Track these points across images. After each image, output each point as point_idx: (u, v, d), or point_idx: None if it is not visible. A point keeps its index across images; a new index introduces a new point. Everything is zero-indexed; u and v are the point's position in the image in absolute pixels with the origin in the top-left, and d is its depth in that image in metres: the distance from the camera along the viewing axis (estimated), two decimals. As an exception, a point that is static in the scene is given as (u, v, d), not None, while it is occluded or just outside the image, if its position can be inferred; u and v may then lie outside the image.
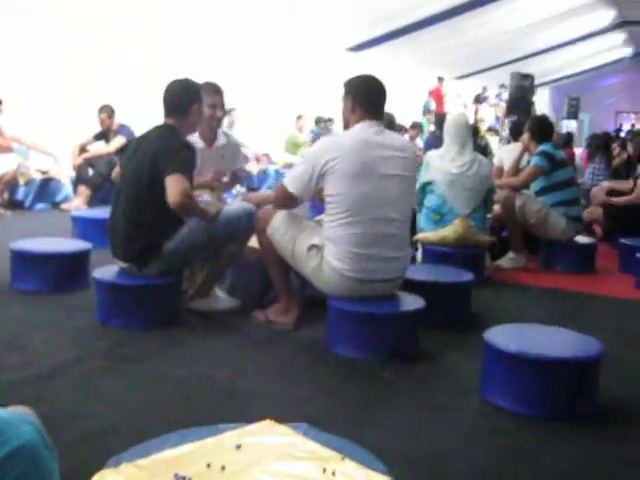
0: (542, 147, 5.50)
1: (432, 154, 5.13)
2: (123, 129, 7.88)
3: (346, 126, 3.54)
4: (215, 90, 4.37)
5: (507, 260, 5.55)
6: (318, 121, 12.71)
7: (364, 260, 3.29)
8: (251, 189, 9.22)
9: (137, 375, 2.97)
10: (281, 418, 2.04)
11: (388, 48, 15.46)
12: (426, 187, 5.02)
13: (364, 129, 3.38)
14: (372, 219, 3.29)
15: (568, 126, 16.35)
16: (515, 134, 7.44)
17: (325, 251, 3.36)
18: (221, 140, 4.46)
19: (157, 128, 3.75)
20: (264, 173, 9.97)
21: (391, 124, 5.58)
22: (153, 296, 3.64)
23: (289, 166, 11.22)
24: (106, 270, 3.79)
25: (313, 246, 3.40)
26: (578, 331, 3.12)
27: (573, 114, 19.00)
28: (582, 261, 5.66)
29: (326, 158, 3.27)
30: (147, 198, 3.57)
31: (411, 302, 3.45)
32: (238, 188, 5.22)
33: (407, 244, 3.54)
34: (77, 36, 9.03)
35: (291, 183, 3.39)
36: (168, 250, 3.61)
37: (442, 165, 4.98)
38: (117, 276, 3.70)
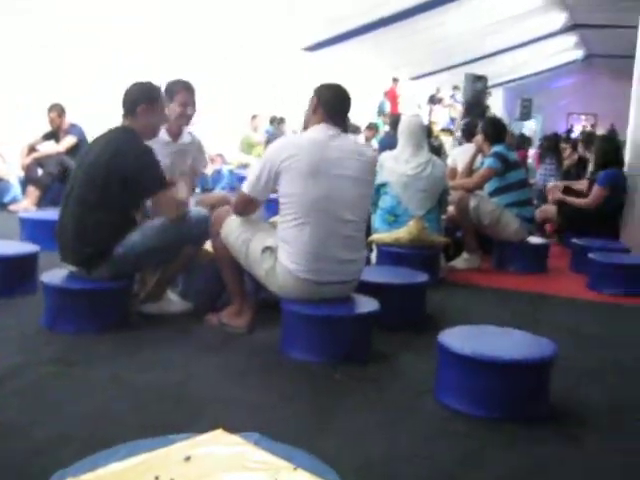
0: (495, 149, 5.54)
1: (386, 155, 5.12)
2: (73, 128, 7.72)
3: (305, 127, 3.53)
4: (186, 87, 4.34)
5: (461, 261, 5.58)
6: (272, 121, 12.67)
7: (318, 261, 3.27)
8: (205, 190, 9.16)
9: (87, 381, 2.89)
10: (233, 426, 2.00)
11: (344, 48, 15.47)
12: (380, 188, 5.01)
13: (321, 131, 3.36)
14: (327, 220, 3.26)
15: (529, 128, 16.55)
16: (468, 135, 7.50)
17: (279, 253, 3.32)
18: (186, 138, 4.41)
19: (112, 130, 3.69)
20: (218, 174, 9.89)
21: (345, 126, 5.54)
22: (103, 300, 3.55)
23: (244, 166, 11.16)
24: (54, 274, 3.69)
25: (267, 248, 3.36)
26: (532, 332, 3.14)
27: (526, 115, 19.27)
28: (535, 261, 5.72)
29: (281, 157, 3.24)
30: (100, 201, 3.50)
31: (365, 304, 3.43)
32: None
33: (363, 246, 3.52)
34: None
35: (249, 187, 3.36)
36: (119, 254, 3.54)
37: (396, 167, 4.98)
38: (66, 280, 3.60)
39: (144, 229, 3.62)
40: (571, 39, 22.65)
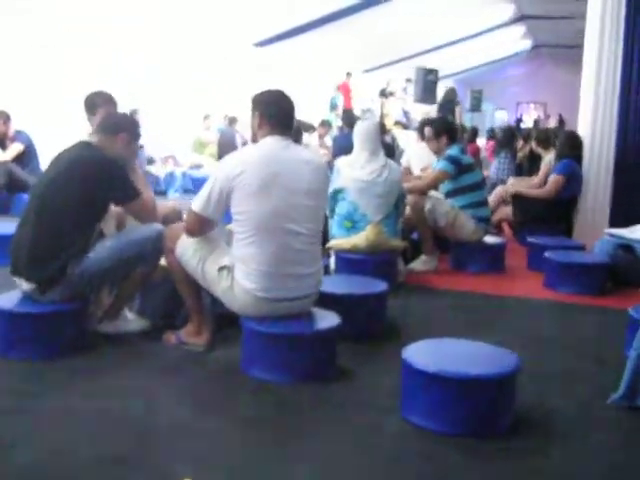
0: (449, 151, 5.53)
1: (342, 161, 5.08)
2: (20, 135, 7.53)
3: (254, 141, 3.46)
4: (107, 100, 4.28)
5: (419, 263, 5.57)
6: (225, 119, 12.52)
7: (275, 279, 3.21)
8: (157, 193, 9.01)
9: (42, 414, 2.80)
10: (196, 457, 1.94)
11: (294, 43, 15.39)
12: (337, 194, 4.97)
13: (270, 144, 3.30)
14: (280, 236, 3.21)
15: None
16: (422, 132, 7.49)
17: (235, 272, 3.26)
18: None
19: (76, 146, 3.63)
20: (170, 176, 9.74)
21: (298, 131, 5.50)
22: (59, 323, 3.44)
23: (196, 166, 11.03)
24: (6, 297, 3.57)
25: (223, 267, 3.30)
26: (492, 338, 3.14)
27: (476, 106, 19.42)
28: (492, 261, 5.74)
29: (231, 175, 3.17)
30: (63, 217, 3.44)
31: (326, 319, 3.38)
32: None
33: (319, 259, 3.46)
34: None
35: (200, 206, 3.27)
36: (74, 274, 3.45)
37: (352, 172, 4.94)
38: (17, 303, 3.48)
39: (97, 249, 3.54)
40: (519, 30, 22.87)
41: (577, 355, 3.84)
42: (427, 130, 5.81)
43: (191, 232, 3.39)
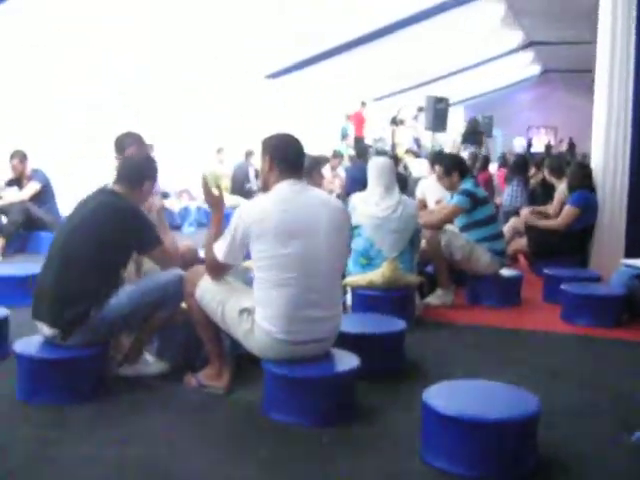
0: (464, 185, 5.56)
1: (357, 197, 5.11)
2: (36, 174, 7.64)
3: (265, 184, 3.49)
4: (137, 141, 4.46)
5: (435, 297, 5.57)
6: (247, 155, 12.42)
7: (295, 322, 3.24)
8: (173, 227, 9.07)
9: (63, 462, 2.82)
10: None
11: (306, 73, 15.53)
12: (353, 231, 4.99)
13: (284, 189, 3.34)
14: (300, 280, 3.23)
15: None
16: (433, 166, 7.53)
17: (256, 314, 3.29)
18: None
19: (101, 192, 3.70)
20: (185, 210, 9.78)
21: (317, 165, 5.51)
22: (80, 369, 3.47)
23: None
24: (27, 342, 3.60)
25: (244, 310, 3.33)
26: (511, 375, 3.13)
27: (488, 133, 19.43)
28: (508, 294, 5.73)
29: (250, 223, 3.22)
30: (88, 263, 3.49)
31: (345, 361, 3.39)
32: None
33: (339, 302, 3.49)
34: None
35: (221, 254, 3.33)
36: (96, 319, 3.48)
37: (367, 209, 4.98)
38: (41, 349, 3.51)
39: (119, 294, 3.58)
40: (528, 56, 23.02)
41: (595, 389, 3.83)
42: (437, 168, 5.85)
43: (212, 277, 3.45)
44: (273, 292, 3.24)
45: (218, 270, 3.43)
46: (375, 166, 5.14)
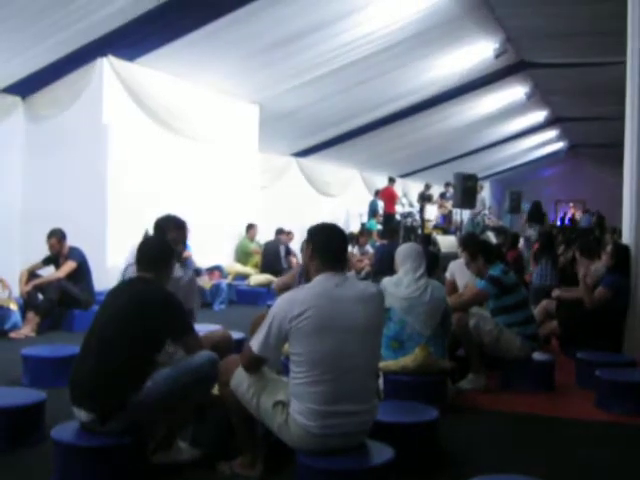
0: (492, 272, 5.59)
1: (387, 282, 5.15)
2: (73, 253, 7.79)
3: (307, 271, 3.55)
4: (178, 226, 4.60)
5: (467, 382, 5.53)
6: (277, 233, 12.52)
7: (330, 416, 3.23)
8: (203, 305, 9.13)
9: None
10: None
11: (333, 152, 15.79)
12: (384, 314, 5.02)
13: (323, 282, 3.37)
14: (334, 376, 3.24)
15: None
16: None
17: (291, 407, 3.30)
18: (178, 272, 4.46)
19: (138, 283, 3.82)
20: (216, 287, 9.83)
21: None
22: (117, 457, 3.48)
23: (242, 277, 11.15)
24: (64, 428, 3.62)
25: (278, 402, 3.34)
26: (543, 466, 3.08)
27: (516, 208, 19.52)
28: (541, 379, 5.66)
29: (289, 316, 3.24)
30: (125, 350, 3.55)
31: (380, 453, 3.37)
32: None
33: (372, 395, 3.49)
34: None
35: (259, 347, 3.34)
36: (133, 404, 3.52)
37: (397, 291, 5.02)
38: (77, 435, 3.53)
39: (155, 378, 3.61)
40: (554, 132, 23.27)
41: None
42: (464, 255, 5.90)
43: (248, 370, 3.45)
44: (308, 387, 3.25)
45: (253, 364, 3.42)
46: (403, 252, 5.24)
